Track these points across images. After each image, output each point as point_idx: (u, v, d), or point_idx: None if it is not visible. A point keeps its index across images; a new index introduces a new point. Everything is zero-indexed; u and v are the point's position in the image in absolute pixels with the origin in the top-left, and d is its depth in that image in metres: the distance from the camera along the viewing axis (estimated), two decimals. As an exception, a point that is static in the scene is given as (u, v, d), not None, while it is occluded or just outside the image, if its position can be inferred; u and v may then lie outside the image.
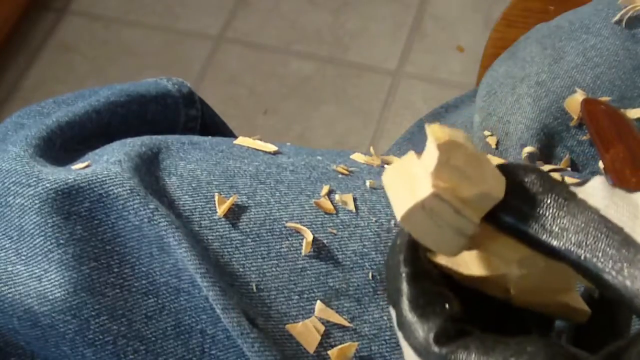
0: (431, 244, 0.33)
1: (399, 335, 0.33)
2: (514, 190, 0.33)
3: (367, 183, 0.53)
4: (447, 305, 0.33)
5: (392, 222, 0.50)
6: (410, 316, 0.33)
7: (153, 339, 0.47)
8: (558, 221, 0.32)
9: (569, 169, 0.61)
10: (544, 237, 0.32)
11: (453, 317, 0.32)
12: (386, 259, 0.35)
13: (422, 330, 0.32)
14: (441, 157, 0.32)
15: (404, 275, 0.34)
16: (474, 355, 0.31)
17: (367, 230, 0.50)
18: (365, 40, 1.65)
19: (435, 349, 0.32)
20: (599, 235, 0.31)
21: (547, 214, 0.32)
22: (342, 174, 0.53)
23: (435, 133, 0.33)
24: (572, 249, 0.31)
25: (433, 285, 0.34)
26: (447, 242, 0.33)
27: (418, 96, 1.56)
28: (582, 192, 0.33)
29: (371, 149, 0.59)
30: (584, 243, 0.31)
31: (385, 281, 0.36)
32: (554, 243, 0.32)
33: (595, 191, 0.33)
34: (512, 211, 0.33)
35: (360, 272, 0.49)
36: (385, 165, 0.56)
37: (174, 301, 0.47)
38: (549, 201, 0.33)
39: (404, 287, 0.34)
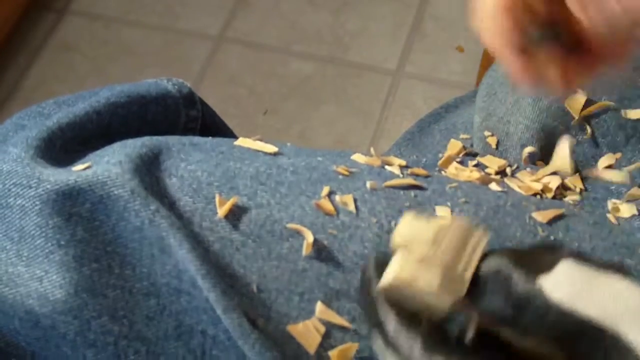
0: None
1: (387, 353, 0.40)
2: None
3: (368, 184, 0.53)
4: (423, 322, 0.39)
5: (393, 223, 0.50)
6: (397, 332, 0.40)
7: (154, 339, 0.47)
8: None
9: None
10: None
11: (431, 331, 0.39)
12: (361, 287, 0.42)
13: (407, 343, 0.39)
14: (403, 254, 0.41)
15: (384, 303, 0.41)
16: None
17: (368, 232, 0.50)
18: (365, 40, 1.65)
19: (420, 355, 0.38)
20: None
21: None
22: (343, 174, 0.53)
23: (399, 231, 0.42)
24: None
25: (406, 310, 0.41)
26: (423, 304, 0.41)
27: (418, 96, 1.56)
28: (548, 281, 0.39)
29: (372, 149, 0.59)
30: None
31: (365, 308, 0.42)
32: None
33: (562, 278, 0.39)
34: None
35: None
36: (386, 166, 0.56)
37: (175, 302, 0.47)
38: None
39: (387, 311, 0.40)
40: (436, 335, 0.39)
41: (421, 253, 0.41)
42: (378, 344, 0.41)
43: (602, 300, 0.39)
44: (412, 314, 0.40)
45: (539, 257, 0.41)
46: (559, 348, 0.39)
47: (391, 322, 0.40)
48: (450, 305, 0.41)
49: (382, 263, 0.42)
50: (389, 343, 0.40)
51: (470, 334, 0.39)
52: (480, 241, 0.42)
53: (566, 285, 0.40)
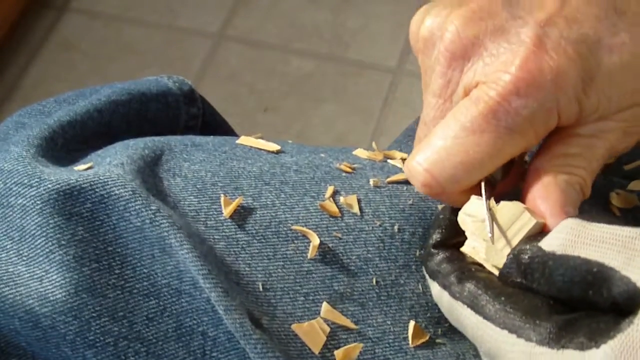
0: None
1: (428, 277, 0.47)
2: None
3: (371, 182, 0.52)
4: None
5: (396, 226, 0.51)
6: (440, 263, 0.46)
7: (154, 340, 0.47)
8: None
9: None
10: None
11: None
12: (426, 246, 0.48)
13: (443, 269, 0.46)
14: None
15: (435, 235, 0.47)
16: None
17: (372, 236, 0.50)
18: (365, 38, 1.65)
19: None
20: None
21: None
22: (346, 172, 0.53)
23: (464, 209, 0.47)
24: None
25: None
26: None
27: (418, 94, 1.56)
28: (545, 239, 0.42)
29: (373, 144, 0.59)
30: None
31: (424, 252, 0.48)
32: None
33: (555, 233, 0.42)
34: None
35: (365, 278, 0.49)
36: (389, 160, 0.56)
37: (176, 303, 0.47)
38: None
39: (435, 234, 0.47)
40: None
41: (474, 227, 0.45)
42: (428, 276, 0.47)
43: (593, 241, 0.40)
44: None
45: None
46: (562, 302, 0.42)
47: (438, 255, 0.46)
48: None
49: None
50: (433, 272, 0.46)
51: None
52: (525, 225, 0.44)
53: (559, 237, 0.41)
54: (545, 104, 0.44)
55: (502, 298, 0.42)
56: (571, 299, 0.41)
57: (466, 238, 0.46)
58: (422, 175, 0.46)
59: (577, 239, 0.41)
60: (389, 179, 0.53)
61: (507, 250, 0.44)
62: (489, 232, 0.44)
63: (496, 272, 0.45)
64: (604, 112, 0.46)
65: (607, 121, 0.46)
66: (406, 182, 0.53)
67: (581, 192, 0.46)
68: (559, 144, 0.47)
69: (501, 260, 0.44)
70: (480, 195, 0.46)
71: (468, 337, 0.44)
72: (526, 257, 0.42)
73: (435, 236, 0.47)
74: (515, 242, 0.44)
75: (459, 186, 0.46)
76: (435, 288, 0.46)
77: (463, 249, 0.46)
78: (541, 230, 0.44)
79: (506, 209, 0.45)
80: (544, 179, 0.46)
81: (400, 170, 0.54)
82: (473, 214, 0.46)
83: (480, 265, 0.46)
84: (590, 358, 0.37)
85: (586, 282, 0.40)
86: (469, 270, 0.45)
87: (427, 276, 0.47)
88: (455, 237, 0.47)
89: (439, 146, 0.45)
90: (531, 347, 0.40)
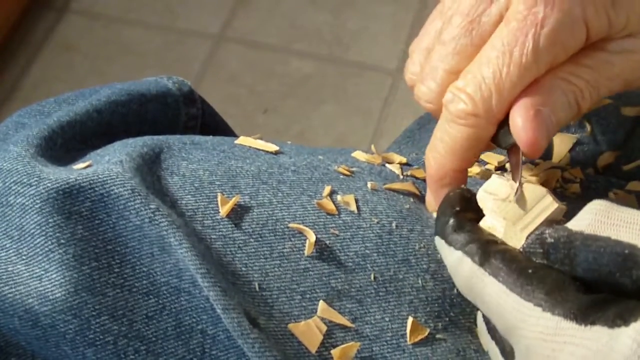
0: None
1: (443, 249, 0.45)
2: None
3: (369, 185, 0.53)
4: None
5: (394, 223, 0.51)
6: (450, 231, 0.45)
7: (154, 339, 0.47)
8: None
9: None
10: None
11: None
12: (442, 207, 0.46)
13: (463, 237, 0.44)
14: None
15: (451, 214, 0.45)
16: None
17: (369, 232, 0.50)
18: (365, 40, 1.65)
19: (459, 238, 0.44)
20: None
21: None
22: (344, 174, 0.53)
23: (483, 187, 0.46)
24: None
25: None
26: None
27: (418, 95, 1.56)
28: (573, 220, 0.41)
29: (372, 147, 0.59)
30: None
31: (438, 217, 0.46)
32: None
33: (583, 214, 0.41)
34: None
35: (362, 274, 0.49)
36: (387, 164, 0.56)
37: (175, 301, 0.47)
38: None
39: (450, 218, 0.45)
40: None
41: (494, 205, 0.45)
42: (439, 242, 0.45)
43: (623, 223, 0.40)
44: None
45: None
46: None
47: (457, 221, 0.45)
48: None
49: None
50: (453, 240, 0.45)
51: None
52: (547, 208, 0.44)
53: (587, 218, 0.41)
54: (572, 14, 0.44)
55: (529, 271, 0.41)
56: (594, 281, 0.40)
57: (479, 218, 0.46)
58: (463, 98, 0.46)
59: (607, 220, 0.40)
60: (386, 186, 0.53)
61: (527, 232, 0.43)
62: (516, 188, 0.44)
63: None
64: (633, 28, 0.45)
65: (635, 39, 0.46)
66: (403, 192, 0.53)
67: (575, 104, 0.46)
68: (576, 55, 0.46)
69: (520, 242, 0.43)
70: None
71: (483, 310, 0.44)
72: (551, 237, 0.42)
73: (454, 206, 0.46)
74: (535, 224, 0.43)
75: (500, 107, 0.46)
76: (452, 256, 0.44)
77: (481, 224, 0.45)
78: (562, 216, 0.44)
79: (528, 190, 0.44)
80: (539, 80, 0.46)
81: (398, 177, 0.55)
82: (494, 192, 0.45)
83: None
84: (618, 336, 0.37)
85: (615, 263, 0.39)
86: (493, 241, 0.43)
87: (442, 246, 0.45)
88: (469, 213, 0.46)
89: (481, 74, 0.46)
90: (557, 322, 0.39)
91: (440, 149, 0.49)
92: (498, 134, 0.47)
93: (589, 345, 0.38)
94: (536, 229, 0.43)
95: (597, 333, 0.37)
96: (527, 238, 0.43)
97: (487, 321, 0.45)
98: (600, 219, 0.40)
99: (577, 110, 0.46)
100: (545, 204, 0.44)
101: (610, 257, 0.40)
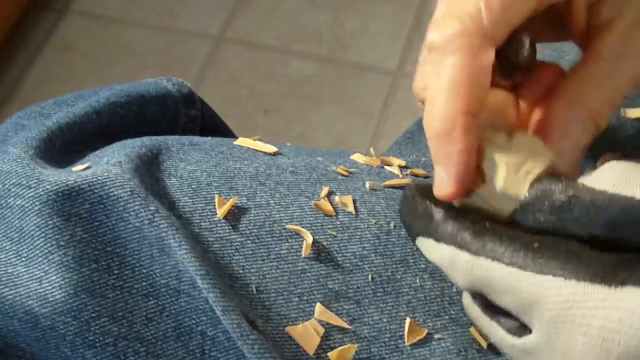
0: None
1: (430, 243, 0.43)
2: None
3: (367, 185, 0.53)
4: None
5: (392, 224, 0.51)
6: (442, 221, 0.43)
7: (153, 340, 0.47)
8: None
9: None
10: None
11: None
12: (411, 205, 0.44)
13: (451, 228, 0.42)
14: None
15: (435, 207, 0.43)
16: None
17: (367, 232, 0.50)
18: (365, 40, 1.65)
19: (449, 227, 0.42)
20: None
21: None
22: (342, 175, 0.53)
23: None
24: None
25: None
26: None
27: (418, 96, 1.56)
28: (591, 178, 0.40)
29: (371, 149, 0.59)
30: None
31: (411, 217, 0.44)
32: None
33: (604, 173, 0.40)
34: None
35: (360, 275, 0.49)
36: (386, 166, 0.56)
37: (174, 303, 0.47)
38: None
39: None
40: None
41: (494, 151, 0.43)
42: (420, 240, 0.44)
43: None
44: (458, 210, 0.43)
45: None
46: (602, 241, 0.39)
47: (439, 212, 0.43)
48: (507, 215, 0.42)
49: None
50: (433, 232, 0.43)
51: None
52: (544, 159, 0.43)
53: (609, 177, 0.40)
54: None
55: (535, 245, 0.40)
56: (614, 241, 0.39)
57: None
58: (449, 22, 0.45)
59: (631, 180, 0.39)
60: (384, 183, 0.53)
61: (526, 184, 0.41)
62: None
63: (506, 208, 0.42)
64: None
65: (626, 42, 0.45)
66: (402, 188, 0.53)
67: (594, 127, 0.45)
68: (580, 64, 0.45)
69: (522, 189, 0.41)
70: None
71: (493, 296, 0.42)
72: (563, 194, 0.40)
73: (422, 203, 0.44)
74: (532, 176, 0.42)
75: (491, 21, 0.43)
76: (445, 252, 0.42)
77: (466, 199, 0.43)
78: (555, 169, 0.43)
79: (522, 142, 0.43)
80: (559, 114, 0.44)
81: (397, 176, 0.55)
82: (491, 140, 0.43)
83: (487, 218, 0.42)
84: None
85: (634, 222, 0.38)
86: (482, 224, 0.42)
87: (430, 246, 0.43)
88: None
89: None
90: (583, 288, 0.38)
91: (441, 96, 0.43)
92: (501, 62, 0.45)
93: (624, 306, 0.37)
94: (537, 178, 0.41)
95: (630, 294, 0.37)
96: (529, 189, 0.41)
97: (486, 304, 0.43)
98: (625, 179, 0.39)
99: (597, 132, 0.45)
100: (543, 153, 0.43)
101: (635, 217, 0.38)
